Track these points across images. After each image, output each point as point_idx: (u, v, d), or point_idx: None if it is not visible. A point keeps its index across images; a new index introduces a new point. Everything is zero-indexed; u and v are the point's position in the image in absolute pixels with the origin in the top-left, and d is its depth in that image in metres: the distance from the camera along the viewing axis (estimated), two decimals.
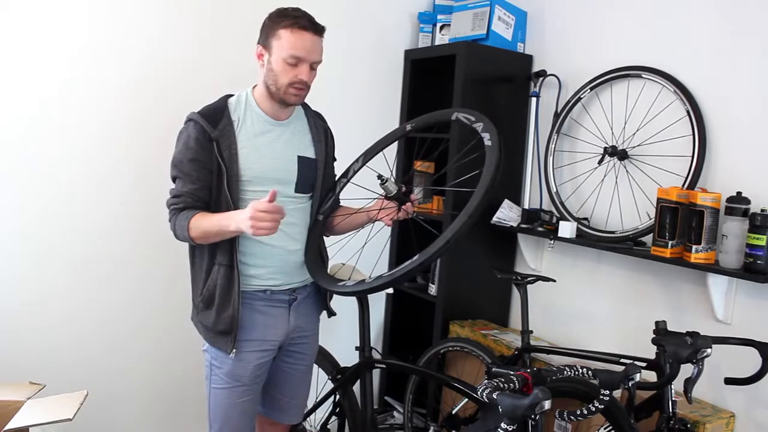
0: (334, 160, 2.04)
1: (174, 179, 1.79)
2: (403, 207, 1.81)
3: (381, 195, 1.85)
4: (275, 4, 1.81)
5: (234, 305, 1.77)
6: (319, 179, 1.92)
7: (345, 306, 2.07)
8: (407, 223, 1.93)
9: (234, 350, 1.78)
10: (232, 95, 1.85)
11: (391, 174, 2.00)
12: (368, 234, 1.98)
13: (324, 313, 2.06)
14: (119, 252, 2.51)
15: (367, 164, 1.99)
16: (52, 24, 2.30)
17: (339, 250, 2.04)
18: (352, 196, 1.98)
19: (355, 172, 2.00)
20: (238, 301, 1.77)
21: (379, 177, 1.77)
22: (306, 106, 1.97)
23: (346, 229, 2.00)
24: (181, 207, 1.75)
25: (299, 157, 1.86)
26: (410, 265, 1.53)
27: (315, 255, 1.90)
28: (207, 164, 1.74)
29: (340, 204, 2.05)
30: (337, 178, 2.04)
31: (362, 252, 2.04)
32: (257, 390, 1.90)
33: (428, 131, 2.79)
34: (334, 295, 2.02)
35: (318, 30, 1.76)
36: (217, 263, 1.79)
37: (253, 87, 1.85)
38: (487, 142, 1.62)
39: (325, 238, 2.03)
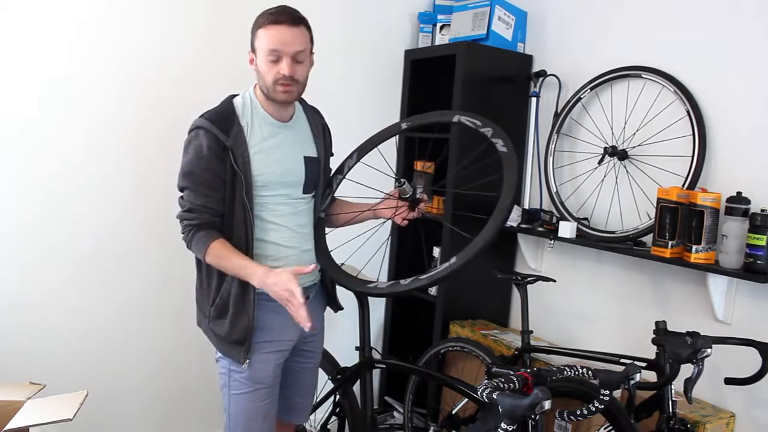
0: (331, 155, 2.03)
1: (183, 189, 1.75)
2: (419, 207, 1.85)
3: (387, 194, 1.88)
4: (275, 3, 1.80)
5: (249, 314, 1.74)
6: (321, 177, 1.92)
7: (345, 306, 2.07)
8: (410, 227, 1.96)
9: (247, 360, 1.76)
10: (235, 95, 1.82)
11: (398, 176, 2.03)
12: (384, 239, 2.00)
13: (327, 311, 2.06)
14: (120, 251, 2.51)
15: (361, 161, 2.01)
16: (53, 24, 2.30)
17: (352, 253, 2.05)
18: (348, 192, 2.00)
19: (350, 168, 2.02)
20: (253, 308, 1.74)
21: (397, 179, 1.81)
22: (303, 103, 1.95)
23: (347, 224, 2.00)
24: (197, 223, 1.72)
25: (305, 157, 1.86)
26: (450, 268, 1.53)
27: (328, 255, 1.90)
28: (220, 174, 1.71)
29: (336, 198, 2.04)
30: (332, 173, 2.04)
31: (359, 251, 2.04)
32: (276, 392, 1.87)
33: (428, 131, 2.81)
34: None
35: (294, 21, 1.71)
36: None
37: (254, 86, 1.83)
38: (501, 148, 1.64)
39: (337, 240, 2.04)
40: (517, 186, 1.59)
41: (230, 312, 1.75)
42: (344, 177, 2.02)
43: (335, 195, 2.04)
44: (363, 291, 1.79)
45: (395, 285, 1.66)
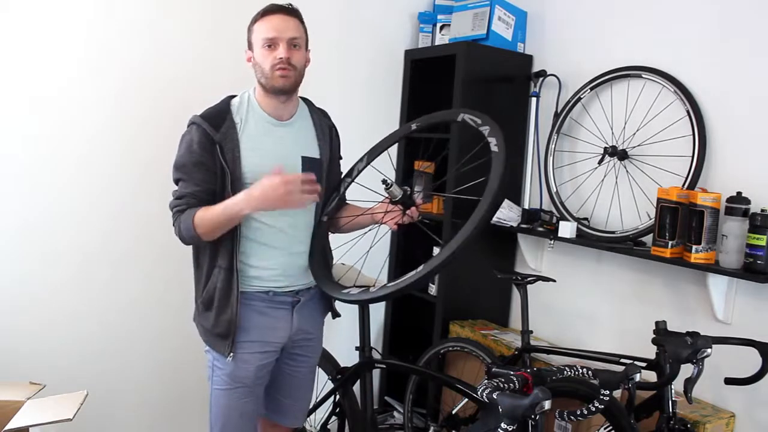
0: (340, 158, 2.03)
1: (176, 182, 1.78)
2: (408, 212, 1.79)
3: (386, 198, 1.83)
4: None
5: (233, 308, 1.76)
6: (323, 179, 1.90)
7: (345, 306, 2.06)
8: (410, 227, 1.92)
9: (231, 354, 1.78)
10: (234, 96, 1.84)
11: (395, 175, 1.99)
12: (373, 238, 1.97)
13: (329, 315, 2.06)
14: (121, 252, 2.51)
15: (371, 164, 1.98)
16: (53, 24, 2.30)
17: (346, 252, 2.03)
18: (356, 196, 1.98)
19: (359, 172, 1.99)
20: (236, 304, 1.76)
21: (384, 182, 1.76)
22: (310, 104, 1.96)
23: (351, 230, 1.99)
24: (183, 208, 1.74)
25: (303, 157, 1.85)
26: (414, 276, 1.52)
27: (319, 258, 1.89)
28: (210, 167, 1.74)
29: (347, 202, 2.04)
30: (341, 177, 2.04)
31: (358, 254, 2.03)
32: (259, 392, 1.88)
33: (432, 131, 2.81)
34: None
35: (286, 10, 1.78)
36: (217, 266, 1.78)
37: (254, 87, 1.85)
38: (494, 148, 1.60)
39: (330, 237, 2.02)
40: (502, 190, 1.52)
41: (215, 305, 1.78)
42: (353, 180, 1.99)
43: (347, 199, 2.03)
44: (335, 297, 1.79)
45: (364, 293, 1.65)
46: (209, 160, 1.73)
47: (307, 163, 1.85)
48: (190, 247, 1.85)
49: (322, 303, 1.99)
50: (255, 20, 1.78)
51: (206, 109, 1.79)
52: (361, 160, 2.00)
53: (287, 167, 1.80)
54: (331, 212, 1.95)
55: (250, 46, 1.80)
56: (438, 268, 1.50)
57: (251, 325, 1.81)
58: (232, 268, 1.76)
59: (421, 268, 1.52)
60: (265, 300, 1.83)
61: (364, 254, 2.00)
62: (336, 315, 2.06)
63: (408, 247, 3.08)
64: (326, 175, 1.92)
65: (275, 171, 1.64)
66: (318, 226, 1.92)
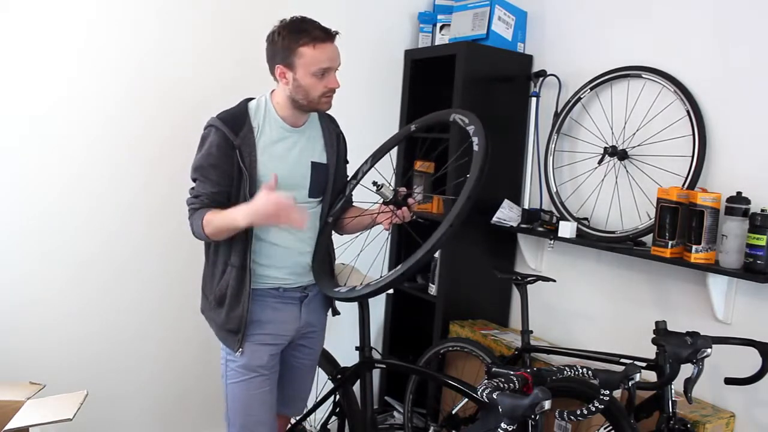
0: (346, 162, 2.08)
1: (194, 181, 1.84)
2: (397, 212, 1.83)
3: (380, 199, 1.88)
4: (276, 5, 1.81)
5: (244, 306, 1.81)
6: (329, 183, 1.96)
7: (345, 306, 2.08)
8: (404, 226, 1.94)
9: (240, 349, 1.83)
10: (251, 99, 1.88)
11: (393, 175, 2.01)
12: (365, 238, 2.00)
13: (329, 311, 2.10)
14: (121, 253, 2.51)
15: (374, 166, 2.03)
16: (55, 23, 2.30)
17: (344, 251, 2.07)
18: (360, 198, 2.00)
19: (364, 174, 2.04)
20: (248, 301, 1.81)
21: (375, 183, 1.81)
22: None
23: (355, 230, 2.04)
24: (198, 207, 1.80)
25: (312, 162, 1.91)
26: (393, 275, 1.59)
27: (322, 258, 1.95)
28: (227, 170, 1.79)
29: (353, 204, 2.08)
30: (347, 180, 2.08)
31: (363, 253, 2.05)
32: (274, 381, 1.93)
33: (430, 131, 2.81)
34: None
35: (332, 36, 1.80)
36: (230, 265, 1.83)
37: (271, 92, 1.88)
38: (475, 147, 1.64)
39: (334, 238, 2.06)
40: (477, 189, 1.57)
41: (226, 302, 1.83)
42: (358, 182, 2.04)
43: (353, 202, 2.07)
44: (328, 294, 1.88)
45: (351, 291, 1.74)
46: (227, 163, 1.78)
47: (316, 168, 1.91)
48: (192, 247, 1.89)
49: (326, 298, 2.05)
50: (302, 42, 1.75)
51: (223, 111, 1.83)
52: (365, 162, 2.05)
53: (297, 172, 1.89)
54: (336, 213, 2.00)
55: (288, 66, 1.78)
56: (414, 267, 1.56)
57: (264, 319, 1.88)
58: (245, 266, 1.82)
59: (399, 266, 1.59)
60: (276, 296, 1.90)
61: (354, 256, 2.03)
62: (336, 313, 2.10)
63: (409, 246, 3.08)
64: (333, 179, 1.97)
65: (269, 185, 1.68)
66: (324, 226, 1.97)
